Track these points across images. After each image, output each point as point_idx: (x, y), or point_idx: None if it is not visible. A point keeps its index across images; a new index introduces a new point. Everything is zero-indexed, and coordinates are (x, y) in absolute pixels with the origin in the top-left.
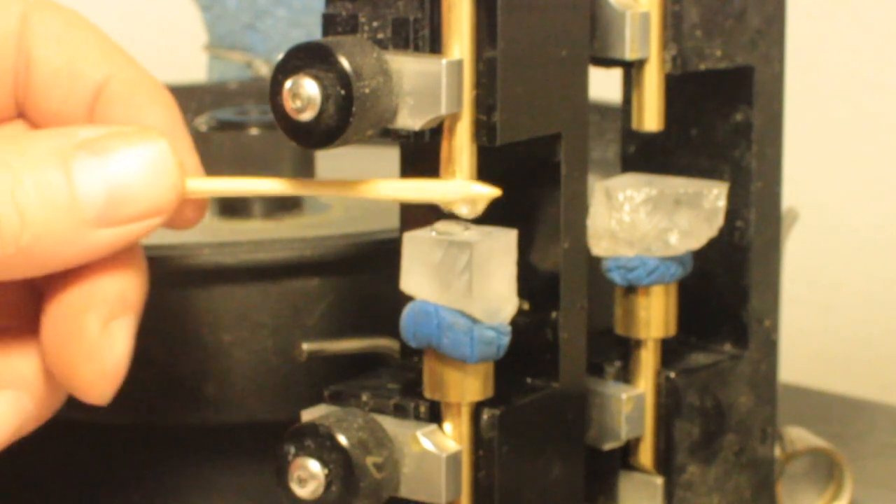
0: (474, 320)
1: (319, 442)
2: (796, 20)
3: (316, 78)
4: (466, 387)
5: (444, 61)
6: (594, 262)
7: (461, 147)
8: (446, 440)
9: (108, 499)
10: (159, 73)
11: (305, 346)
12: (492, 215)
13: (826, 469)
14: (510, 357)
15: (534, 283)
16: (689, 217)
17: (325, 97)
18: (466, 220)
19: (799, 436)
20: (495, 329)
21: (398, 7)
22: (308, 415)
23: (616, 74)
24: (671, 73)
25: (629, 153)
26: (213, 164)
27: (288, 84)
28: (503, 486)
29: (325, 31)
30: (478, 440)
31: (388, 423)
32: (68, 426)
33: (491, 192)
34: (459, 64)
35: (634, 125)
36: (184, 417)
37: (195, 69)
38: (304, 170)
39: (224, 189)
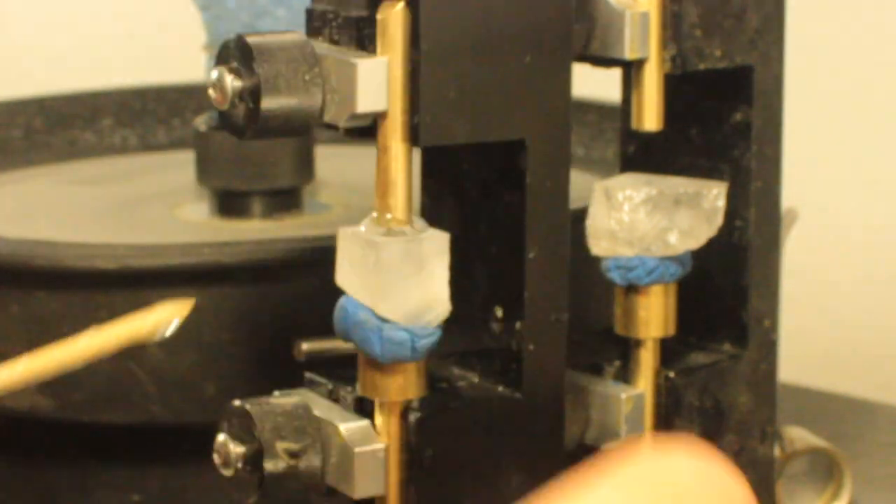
0: (385, 319)
1: (240, 423)
2: (796, 20)
3: (235, 74)
4: (387, 385)
5: (358, 61)
6: (594, 262)
7: (389, 146)
8: (370, 435)
9: (108, 499)
10: (159, 73)
11: (305, 346)
12: (465, 218)
13: (826, 469)
14: (485, 362)
15: (504, 291)
16: (688, 217)
17: (237, 95)
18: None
19: (799, 436)
20: (409, 331)
21: (354, 5)
22: (278, 397)
23: (616, 74)
24: (670, 73)
25: (629, 153)
26: (213, 164)
27: (214, 73)
28: (427, 490)
29: (307, 25)
30: (407, 441)
31: (326, 412)
32: (68, 426)
33: (178, 310)
34: (382, 63)
35: (634, 125)
36: (183, 417)
37: (195, 69)
38: (304, 170)
39: None
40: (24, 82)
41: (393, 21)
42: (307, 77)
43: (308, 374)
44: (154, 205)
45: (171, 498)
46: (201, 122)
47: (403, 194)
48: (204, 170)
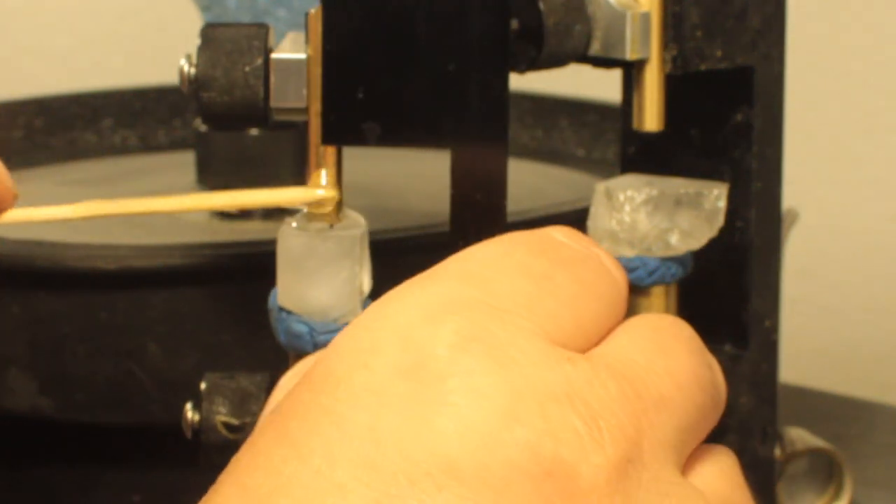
0: (288, 311)
1: (199, 395)
2: (796, 20)
3: (191, 62)
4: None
5: (275, 56)
6: None
7: (314, 142)
8: None
9: (108, 499)
10: (159, 73)
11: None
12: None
13: (826, 469)
14: None
15: None
16: (689, 217)
17: (190, 81)
18: (354, 215)
19: (799, 436)
20: (308, 324)
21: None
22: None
23: (616, 75)
24: (671, 74)
25: (629, 154)
26: (213, 164)
27: (182, 60)
28: None
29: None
30: None
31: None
32: (68, 427)
33: (329, 195)
34: (299, 61)
35: (635, 125)
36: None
37: None
38: (304, 171)
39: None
40: (25, 82)
41: (315, 19)
42: (247, 69)
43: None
44: None
45: (171, 498)
46: (202, 122)
47: (330, 189)
48: (204, 170)
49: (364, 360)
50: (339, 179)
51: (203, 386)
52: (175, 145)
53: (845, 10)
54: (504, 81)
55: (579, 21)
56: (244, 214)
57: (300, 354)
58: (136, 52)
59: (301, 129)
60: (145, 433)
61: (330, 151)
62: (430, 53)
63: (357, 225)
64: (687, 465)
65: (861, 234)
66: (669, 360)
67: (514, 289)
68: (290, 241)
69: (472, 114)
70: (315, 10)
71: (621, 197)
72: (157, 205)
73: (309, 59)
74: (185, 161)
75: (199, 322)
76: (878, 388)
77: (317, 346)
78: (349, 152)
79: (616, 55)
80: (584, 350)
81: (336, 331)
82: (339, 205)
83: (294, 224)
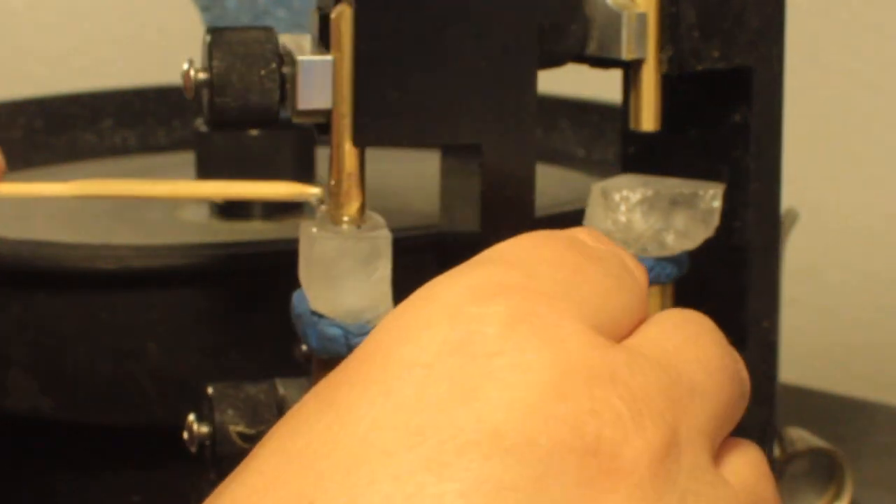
0: (321, 315)
1: (207, 406)
2: (796, 20)
3: (198, 66)
4: None
5: (301, 59)
6: None
7: (340, 144)
8: None
9: (108, 500)
10: (159, 73)
11: (305, 347)
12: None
13: (826, 469)
14: None
15: None
16: (684, 217)
17: (197, 85)
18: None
19: (799, 436)
20: (342, 328)
21: (326, 3)
22: (253, 385)
23: (617, 75)
24: (668, 74)
25: (629, 154)
26: (213, 164)
27: (185, 64)
28: None
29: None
30: None
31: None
32: (68, 427)
33: (317, 192)
34: (326, 62)
35: (632, 125)
36: (183, 418)
37: None
38: (304, 170)
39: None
40: (25, 83)
41: (343, 21)
42: (263, 73)
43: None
44: (154, 206)
45: (171, 499)
46: (202, 122)
47: (355, 191)
48: (204, 171)
49: (413, 335)
50: (362, 180)
51: (211, 396)
52: (175, 145)
53: (845, 10)
54: (533, 77)
55: (576, 21)
56: (244, 214)
57: (332, 359)
58: (136, 52)
59: (301, 130)
60: (145, 433)
61: (354, 152)
62: (461, 51)
63: (382, 225)
64: (716, 455)
65: (861, 234)
66: (699, 349)
67: (552, 277)
68: (323, 245)
69: (503, 111)
70: (339, 13)
71: (617, 197)
72: (148, 189)
73: (336, 60)
74: (185, 161)
75: (199, 322)
76: (878, 388)
77: (351, 349)
78: None
79: (612, 55)
80: (616, 340)
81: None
82: (363, 206)
83: (314, 228)
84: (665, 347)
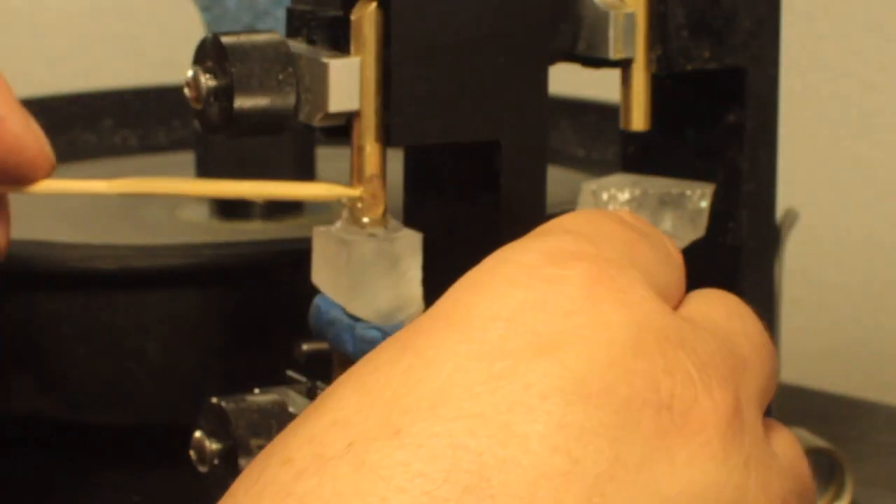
0: (357, 318)
1: (217, 420)
2: (794, 20)
3: (209, 73)
4: None
5: (329, 61)
6: None
7: (364, 146)
8: None
9: (108, 499)
10: (159, 73)
11: (305, 346)
12: (444, 219)
13: (826, 469)
14: None
15: None
16: (673, 217)
17: (211, 94)
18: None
19: (799, 436)
20: (381, 329)
21: (330, 6)
22: (256, 394)
23: (617, 75)
24: (657, 74)
25: (628, 154)
26: (213, 164)
27: (189, 72)
28: None
29: (287, 25)
30: None
31: (301, 409)
32: (67, 427)
33: (357, 192)
34: (354, 63)
35: (622, 125)
36: (183, 418)
37: None
38: (304, 170)
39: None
40: (24, 83)
41: (366, 22)
42: (280, 77)
43: (289, 373)
44: (154, 205)
45: (171, 498)
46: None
47: (380, 193)
48: (204, 171)
49: (494, 291)
50: (384, 181)
51: (227, 410)
52: (175, 145)
53: (845, 10)
54: (545, 73)
55: (566, 20)
56: (244, 214)
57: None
58: (136, 52)
59: (300, 131)
60: (145, 433)
61: (378, 154)
62: (483, 47)
63: (401, 225)
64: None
65: (861, 234)
66: (744, 324)
67: (613, 247)
68: (361, 249)
69: (520, 106)
70: (361, 14)
71: (605, 196)
72: (189, 187)
73: (362, 62)
74: (185, 161)
75: (199, 322)
76: (878, 388)
77: None
78: (343, 151)
79: (600, 54)
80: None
81: None
82: (386, 208)
83: (343, 234)
84: (715, 320)
